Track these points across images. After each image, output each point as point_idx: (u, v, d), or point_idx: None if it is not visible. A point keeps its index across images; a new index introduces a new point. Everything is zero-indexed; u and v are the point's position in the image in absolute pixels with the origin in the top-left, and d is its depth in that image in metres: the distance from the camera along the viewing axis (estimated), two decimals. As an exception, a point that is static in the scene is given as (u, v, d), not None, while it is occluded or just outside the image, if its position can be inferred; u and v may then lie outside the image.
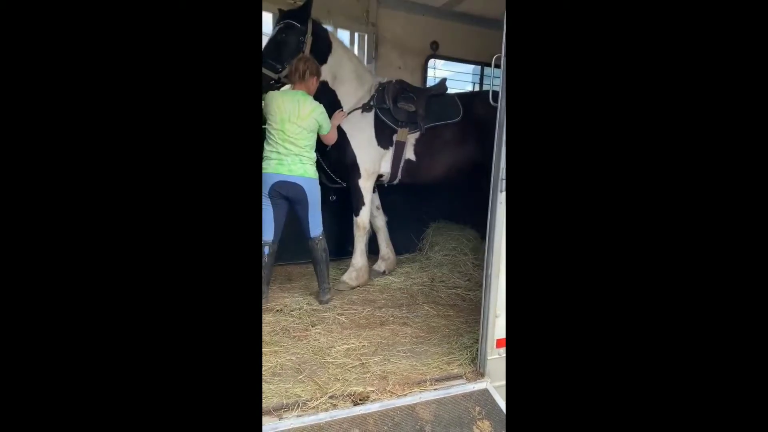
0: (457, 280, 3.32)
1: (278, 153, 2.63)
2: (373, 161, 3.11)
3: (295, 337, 2.42)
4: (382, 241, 3.51)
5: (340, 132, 2.97)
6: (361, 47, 4.06)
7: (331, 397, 1.86)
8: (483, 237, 2.12)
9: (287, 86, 2.83)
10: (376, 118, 3.10)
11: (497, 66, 1.97)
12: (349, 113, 3.03)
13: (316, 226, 2.80)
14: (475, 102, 3.25)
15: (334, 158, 3.16)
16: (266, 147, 2.67)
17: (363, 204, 3.11)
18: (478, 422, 1.82)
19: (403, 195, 3.65)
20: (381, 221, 3.51)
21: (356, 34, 4.05)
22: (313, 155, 2.74)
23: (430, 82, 4.29)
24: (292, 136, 2.61)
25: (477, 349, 2.17)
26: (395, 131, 3.11)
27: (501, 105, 1.90)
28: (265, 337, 2.36)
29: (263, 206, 2.66)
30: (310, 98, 2.69)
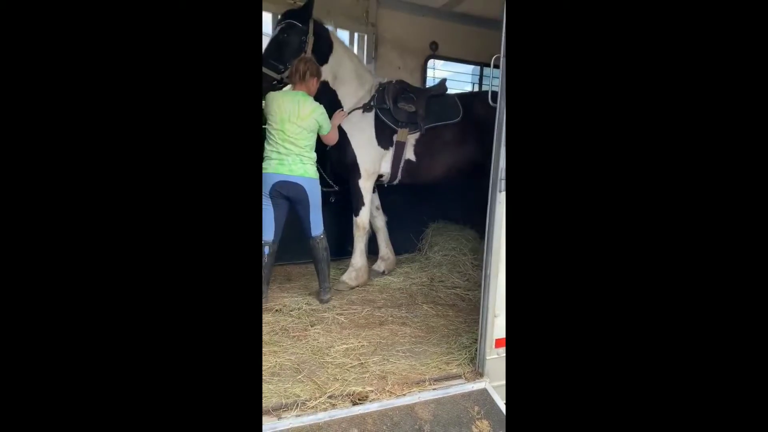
0: (456, 280, 3.32)
1: (279, 153, 2.64)
2: (373, 161, 3.11)
3: (294, 337, 2.42)
4: (381, 241, 3.52)
5: (341, 132, 2.97)
6: (360, 47, 4.07)
7: (330, 397, 1.87)
8: (482, 237, 2.12)
9: (289, 86, 2.83)
10: (377, 118, 3.10)
11: (496, 66, 1.98)
12: (349, 113, 3.04)
13: (317, 225, 2.80)
14: (475, 102, 3.26)
15: (335, 158, 3.16)
16: (267, 147, 2.68)
17: (363, 204, 3.12)
18: (477, 422, 1.82)
19: (403, 195, 3.65)
20: (381, 221, 3.51)
21: (356, 34, 4.06)
22: (314, 155, 2.75)
23: (430, 82, 4.30)
24: (292, 136, 2.62)
25: (476, 349, 2.17)
26: (395, 131, 3.11)
27: (500, 105, 1.90)
28: (265, 337, 2.36)
29: (264, 206, 2.67)
30: (311, 99, 2.69)
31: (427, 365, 2.16)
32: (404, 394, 1.92)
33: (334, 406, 1.83)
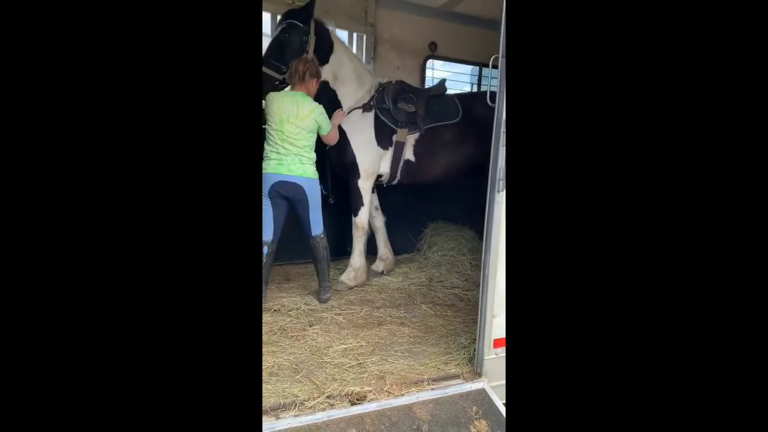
0: (455, 280, 3.33)
1: (278, 153, 2.64)
2: (372, 161, 3.11)
3: (293, 337, 2.42)
4: (380, 241, 3.52)
5: (340, 132, 2.97)
6: (359, 47, 4.07)
7: (328, 397, 1.87)
8: (481, 237, 2.13)
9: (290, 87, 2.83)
10: (376, 118, 3.10)
11: (495, 67, 1.98)
12: (348, 113, 3.04)
13: (317, 225, 2.81)
14: (474, 103, 3.26)
15: (334, 158, 3.16)
16: (266, 147, 2.68)
17: (362, 204, 3.12)
18: (475, 422, 1.82)
19: (402, 195, 3.65)
20: (380, 221, 3.52)
21: (354, 35, 4.06)
22: (313, 155, 2.75)
23: (429, 82, 4.30)
24: (291, 136, 2.62)
25: (474, 349, 2.17)
26: (395, 132, 3.11)
27: (498, 106, 1.90)
28: (263, 337, 2.36)
29: (263, 206, 2.66)
30: (310, 99, 2.69)
31: (426, 365, 2.16)
32: (402, 394, 1.92)
33: (332, 406, 1.83)
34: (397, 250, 3.67)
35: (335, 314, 2.71)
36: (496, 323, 2.04)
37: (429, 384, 2.02)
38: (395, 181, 3.29)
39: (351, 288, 3.16)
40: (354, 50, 3.96)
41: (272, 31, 3.48)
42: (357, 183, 3.09)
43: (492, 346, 2.08)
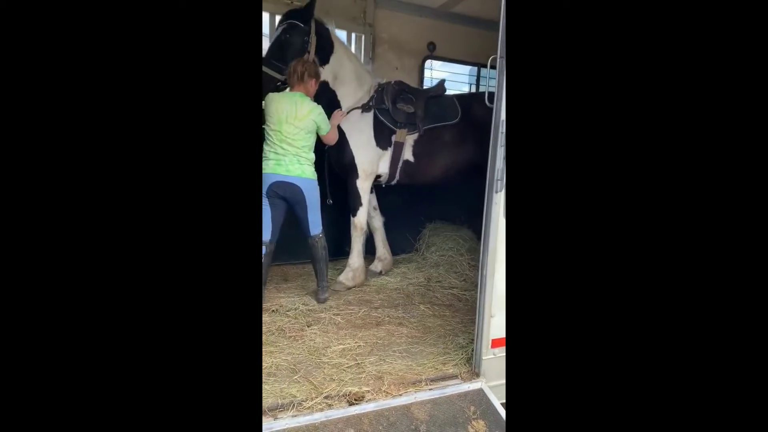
0: (453, 280, 3.33)
1: (276, 153, 2.64)
2: (371, 162, 3.11)
3: (291, 337, 2.41)
4: (379, 241, 3.52)
5: (339, 132, 2.97)
6: (358, 48, 4.07)
7: (326, 397, 1.87)
8: (479, 237, 2.13)
9: None
10: (375, 118, 3.10)
11: (493, 67, 1.98)
12: (348, 113, 3.03)
13: (315, 225, 2.80)
14: (473, 103, 3.27)
15: (333, 158, 3.16)
16: (265, 147, 2.68)
17: (360, 204, 3.12)
18: (473, 422, 1.83)
19: (400, 195, 3.65)
20: (378, 222, 3.51)
21: (353, 35, 4.06)
22: (312, 156, 2.74)
23: (427, 82, 4.30)
24: (289, 136, 2.62)
25: (472, 349, 2.18)
26: (394, 132, 3.12)
27: (496, 106, 1.91)
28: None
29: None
30: (308, 99, 2.69)
31: (424, 365, 2.17)
32: (400, 395, 1.93)
33: (330, 406, 1.83)
34: (395, 250, 3.67)
35: (333, 314, 2.71)
36: (494, 323, 2.05)
37: (427, 384, 2.02)
38: (394, 182, 3.29)
39: (349, 288, 3.16)
40: (353, 51, 3.97)
41: (271, 31, 3.48)
42: (356, 183, 3.09)
43: (490, 346, 2.08)
